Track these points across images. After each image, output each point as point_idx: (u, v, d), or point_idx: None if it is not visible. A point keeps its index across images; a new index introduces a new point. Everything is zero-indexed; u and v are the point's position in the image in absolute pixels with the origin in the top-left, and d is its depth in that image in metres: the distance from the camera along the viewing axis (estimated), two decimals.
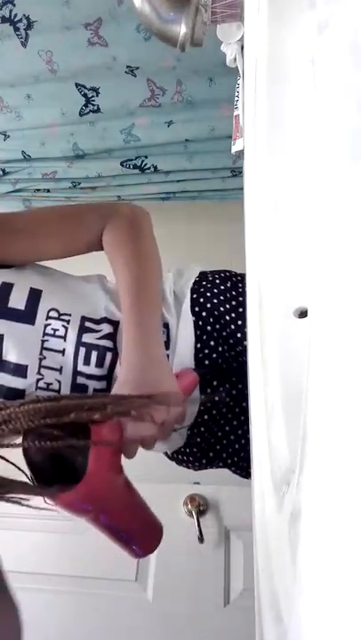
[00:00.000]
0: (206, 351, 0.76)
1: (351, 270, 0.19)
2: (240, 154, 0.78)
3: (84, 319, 0.71)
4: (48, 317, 0.70)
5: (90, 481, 0.56)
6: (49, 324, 0.70)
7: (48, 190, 1.90)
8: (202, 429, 0.79)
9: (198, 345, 0.76)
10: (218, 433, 0.80)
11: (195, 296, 0.80)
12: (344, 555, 0.18)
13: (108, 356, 0.70)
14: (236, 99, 0.86)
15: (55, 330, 0.69)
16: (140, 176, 1.78)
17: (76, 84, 1.53)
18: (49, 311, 0.70)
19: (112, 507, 0.61)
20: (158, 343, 0.68)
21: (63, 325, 0.70)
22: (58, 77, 1.51)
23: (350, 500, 0.17)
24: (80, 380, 0.70)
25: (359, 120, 0.19)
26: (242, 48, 0.76)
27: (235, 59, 0.79)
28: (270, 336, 0.43)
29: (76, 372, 0.70)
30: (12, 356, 0.67)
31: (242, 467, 0.83)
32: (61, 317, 0.70)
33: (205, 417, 0.78)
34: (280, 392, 0.38)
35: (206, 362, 0.77)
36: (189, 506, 1.44)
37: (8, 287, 0.71)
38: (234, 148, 0.88)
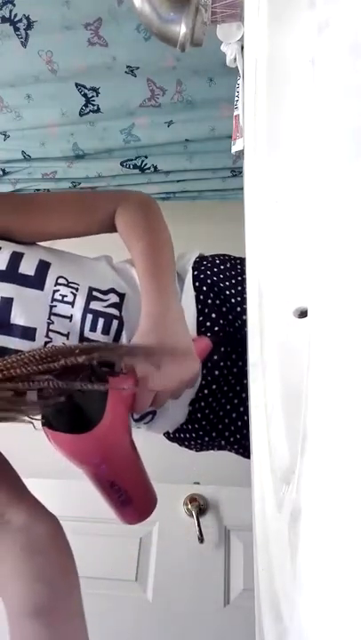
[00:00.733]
0: (208, 324, 0.78)
1: (351, 270, 0.19)
2: (240, 154, 0.78)
3: (91, 289, 0.73)
4: (57, 284, 0.71)
5: (104, 427, 0.53)
6: (57, 290, 0.71)
7: (48, 190, 1.90)
8: (202, 404, 0.79)
9: (200, 318, 0.78)
10: (219, 411, 0.80)
11: (196, 272, 0.81)
12: (344, 554, 0.18)
13: (115, 323, 0.71)
14: (236, 99, 0.86)
15: (64, 296, 0.70)
16: (140, 176, 1.78)
17: (76, 84, 1.53)
18: (58, 278, 0.71)
19: (118, 461, 0.58)
20: (176, 297, 0.69)
21: (72, 292, 0.71)
22: (58, 77, 1.51)
23: (350, 500, 0.17)
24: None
25: (359, 120, 0.19)
26: (242, 48, 0.76)
27: (235, 59, 0.79)
28: (270, 336, 0.43)
29: (82, 339, 0.71)
30: (20, 319, 0.68)
31: (244, 445, 0.82)
32: (70, 285, 0.72)
33: (206, 391, 0.78)
34: (280, 392, 0.38)
35: (208, 335, 0.77)
36: (189, 506, 1.44)
37: (19, 256, 0.72)
38: (234, 148, 0.87)
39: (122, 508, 0.62)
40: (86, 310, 0.71)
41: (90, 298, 0.72)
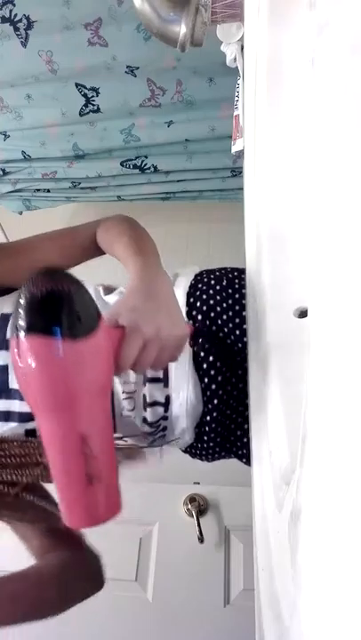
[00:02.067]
0: (202, 354, 0.78)
1: (351, 270, 0.19)
2: (240, 154, 0.78)
3: None
4: None
5: (100, 337, 0.43)
6: None
7: (48, 190, 1.90)
8: (207, 428, 0.80)
9: (195, 348, 0.77)
10: (224, 431, 0.82)
11: (191, 300, 0.81)
12: (344, 554, 0.18)
13: None
14: (236, 99, 0.86)
15: None
16: (140, 176, 1.78)
17: (76, 84, 1.53)
18: None
19: (98, 407, 0.45)
20: (165, 273, 0.66)
21: None
22: (58, 77, 1.50)
23: (350, 500, 0.17)
24: None
25: (358, 120, 0.19)
26: (242, 48, 0.76)
27: (235, 59, 0.79)
28: (270, 336, 0.43)
29: None
30: (17, 384, 0.68)
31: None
32: None
33: (208, 418, 0.80)
34: (280, 392, 0.38)
35: (204, 365, 0.78)
36: (189, 506, 1.44)
37: (7, 318, 0.71)
38: (234, 148, 0.88)
39: (85, 489, 0.44)
40: None
41: None
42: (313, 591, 0.21)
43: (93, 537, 1.42)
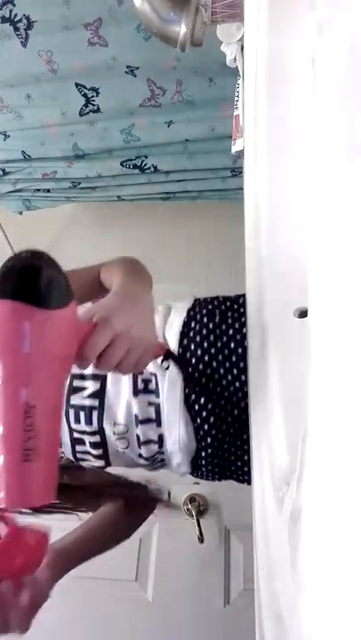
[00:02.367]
0: (193, 397, 0.79)
1: (351, 270, 0.19)
2: (240, 154, 0.78)
3: (72, 378, 0.77)
4: None
5: (69, 312, 0.44)
6: None
7: (48, 190, 1.90)
8: (203, 462, 0.82)
9: (186, 390, 0.79)
10: (221, 464, 0.84)
11: (184, 341, 0.81)
12: (344, 554, 0.18)
13: (94, 414, 0.77)
14: (236, 99, 0.86)
15: None
16: (140, 176, 1.78)
17: (76, 84, 1.53)
18: None
19: (52, 383, 0.44)
20: (145, 291, 0.67)
21: None
22: (58, 77, 1.50)
23: (350, 500, 0.17)
24: (76, 435, 0.78)
25: (358, 120, 0.19)
26: (242, 48, 0.76)
27: (235, 59, 0.79)
28: (270, 336, 0.43)
29: (71, 429, 0.78)
30: None
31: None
32: None
33: (203, 454, 0.81)
34: (280, 392, 0.38)
35: (196, 406, 0.79)
36: (189, 506, 1.44)
37: None
38: (234, 148, 0.87)
39: (19, 464, 0.42)
40: (68, 405, 0.76)
41: (70, 391, 0.77)
42: (313, 591, 0.21)
43: None
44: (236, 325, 0.81)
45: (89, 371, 0.76)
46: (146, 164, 1.72)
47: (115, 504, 0.86)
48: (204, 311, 0.85)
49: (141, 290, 0.66)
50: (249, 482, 0.86)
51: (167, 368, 0.77)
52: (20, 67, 1.49)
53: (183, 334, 0.82)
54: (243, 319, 0.81)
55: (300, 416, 0.24)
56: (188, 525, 1.42)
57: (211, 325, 0.82)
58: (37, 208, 1.99)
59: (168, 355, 0.74)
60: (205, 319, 0.83)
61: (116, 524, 0.85)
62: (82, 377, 0.77)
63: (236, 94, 0.86)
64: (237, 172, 1.70)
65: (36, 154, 1.75)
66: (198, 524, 1.38)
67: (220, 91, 1.47)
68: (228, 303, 0.87)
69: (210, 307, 0.86)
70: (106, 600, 1.39)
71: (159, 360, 0.75)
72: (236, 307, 0.86)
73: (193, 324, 0.83)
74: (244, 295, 0.79)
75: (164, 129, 1.61)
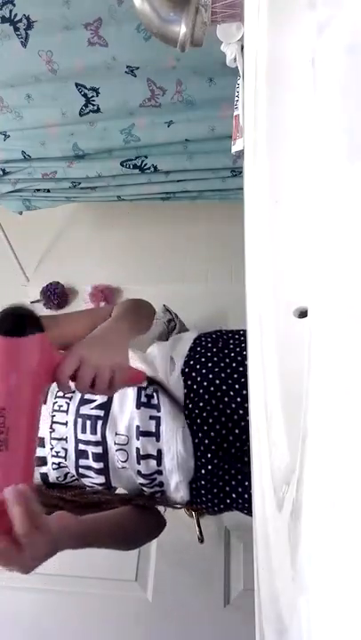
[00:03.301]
0: (196, 411, 0.84)
1: (351, 270, 0.19)
2: (240, 154, 0.78)
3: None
4: (55, 396, 0.85)
5: (35, 339, 0.59)
6: (56, 402, 0.84)
7: (48, 190, 1.90)
8: (202, 483, 0.85)
9: (190, 404, 0.85)
10: (220, 486, 0.85)
11: (187, 360, 0.90)
12: (344, 554, 0.18)
13: (99, 423, 0.82)
14: (236, 99, 0.86)
15: (60, 406, 0.83)
16: (140, 176, 1.78)
17: (76, 84, 1.53)
18: (57, 392, 0.85)
19: (21, 392, 0.57)
20: (124, 330, 0.78)
21: (66, 402, 0.84)
22: (58, 77, 1.50)
23: (351, 500, 0.17)
24: (81, 446, 0.82)
25: (358, 120, 0.19)
26: (242, 48, 0.76)
27: (235, 59, 0.79)
28: (270, 336, 0.43)
29: (77, 440, 0.82)
30: None
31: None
32: (65, 396, 0.84)
33: (203, 471, 0.84)
34: (280, 392, 0.38)
35: (198, 421, 0.84)
36: None
37: None
38: (234, 148, 0.87)
39: None
40: (77, 415, 0.82)
41: (80, 403, 0.84)
42: (313, 591, 0.21)
43: None
44: (238, 350, 0.90)
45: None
46: (146, 164, 1.73)
47: (127, 508, 0.86)
48: (209, 339, 0.94)
49: (124, 324, 0.79)
50: (249, 512, 0.85)
51: (154, 391, 0.84)
52: (20, 67, 1.49)
53: (189, 357, 0.90)
54: (243, 345, 0.91)
55: (300, 416, 0.24)
56: (188, 525, 1.42)
57: (215, 349, 0.91)
58: (37, 208, 1.99)
59: (150, 380, 0.81)
60: (210, 344, 0.92)
61: (125, 524, 0.84)
62: None
63: (236, 94, 0.86)
64: (237, 171, 1.70)
65: (35, 154, 1.75)
66: (198, 524, 1.38)
67: (220, 91, 1.47)
68: (230, 334, 0.95)
69: (214, 336, 0.95)
70: (106, 600, 1.39)
71: (144, 385, 0.84)
72: (237, 336, 0.94)
73: (198, 349, 0.92)
74: (244, 330, 0.84)
75: (164, 129, 1.62)
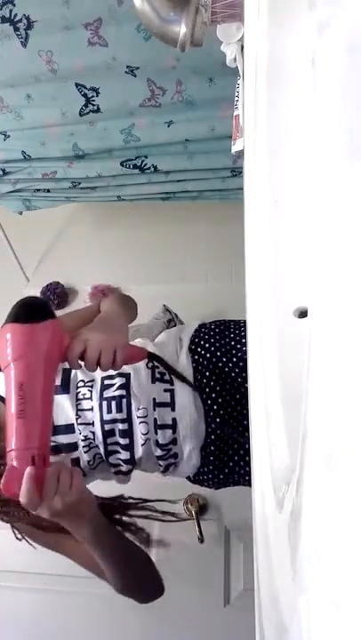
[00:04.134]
0: (204, 380, 0.93)
1: (351, 270, 0.19)
2: (240, 154, 0.78)
3: (103, 379, 0.92)
4: (77, 387, 0.92)
5: (50, 324, 0.72)
6: (79, 391, 0.91)
7: (48, 190, 1.90)
8: (212, 448, 0.92)
9: (198, 376, 0.94)
10: (228, 450, 0.93)
11: (193, 338, 0.99)
12: (344, 554, 0.18)
13: (124, 401, 0.89)
14: (236, 99, 0.86)
15: (84, 394, 0.90)
16: (140, 176, 1.78)
17: (76, 84, 1.53)
18: (78, 382, 0.92)
19: (39, 369, 0.70)
20: (121, 317, 0.90)
21: (88, 390, 0.91)
22: (58, 77, 1.51)
23: (350, 500, 0.17)
24: (107, 426, 0.89)
25: (358, 120, 0.19)
26: (242, 48, 0.76)
27: (235, 59, 0.79)
28: (270, 336, 0.43)
29: (102, 421, 0.89)
30: (59, 419, 0.88)
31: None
32: (87, 385, 0.92)
33: (213, 437, 0.91)
34: (280, 392, 0.38)
35: (207, 390, 0.92)
36: (189, 506, 1.44)
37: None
38: (234, 148, 0.87)
39: (17, 420, 0.69)
40: (101, 399, 0.90)
41: (102, 388, 0.91)
42: (313, 591, 0.21)
43: None
44: (239, 332, 0.99)
45: (114, 372, 0.91)
46: (146, 164, 1.73)
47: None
48: (213, 325, 1.03)
49: (117, 313, 0.91)
50: (248, 482, 0.87)
51: (152, 367, 0.93)
52: (20, 67, 1.49)
53: (195, 336, 0.99)
54: (245, 331, 0.97)
55: (300, 416, 0.24)
56: (188, 525, 1.42)
57: (218, 330, 1.00)
58: (37, 208, 1.99)
59: (151, 356, 0.87)
60: (214, 326, 1.02)
61: (138, 558, 0.93)
62: (110, 377, 0.91)
63: (236, 94, 0.86)
64: (237, 171, 1.70)
65: (35, 154, 1.75)
66: (198, 524, 1.38)
67: (220, 91, 1.47)
68: (232, 322, 1.03)
69: (217, 322, 1.04)
70: (106, 600, 1.39)
71: (145, 361, 0.92)
72: (241, 324, 1.02)
73: (204, 330, 1.01)
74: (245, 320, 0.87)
75: (164, 129, 1.62)
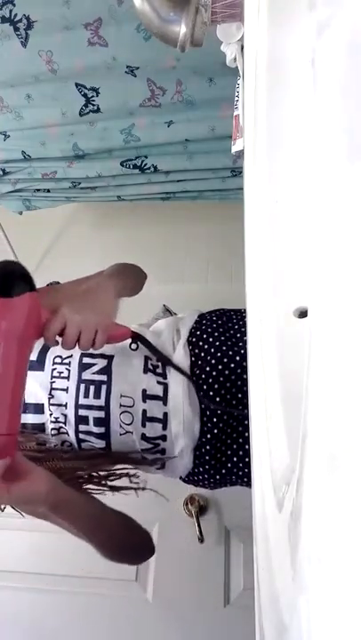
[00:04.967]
0: (203, 376, 0.86)
1: (351, 270, 0.19)
2: (240, 154, 0.78)
3: (82, 356, 0.84)
4: (54, 363, 0.84)
5: (26, 298, 0.64)
6: (55, 368, 0.84)
7: (48, 190, 1.90)
8: (207, 448, 0.85)
9: (197, 371, 0.87)
10: (225, 451, 0.86)
11: (193, 330, 0.92)
12: (344, 554, 0.18)
13: (103, 387, 0.82)
14: (236, 99, 0.86)
15: (60, 372, 0.83)
16: (140, 176, 1.78)
17: (76, 84, 1.53)
18: (54, 358, 0.84)
19: (10, 350, 0.64)
20: (109, 291, 0.81)
21: (66, 368, 0.84)
22: (58, 77, 1.51)
23: (350, 500, 0.17)
24: (81, 412, 0.82)
25: (358, 120, 0.19)
26: (242, 48, 0.76)
27: (235, 59, 0.79)
28: (270, 336, 0.43)
29: (77, 405, 0.82)
30: (30, 398, 0.82)
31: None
32: (64, 362, 0.84)
33: (208, 436, 0.84)
34: (280, 392, 0.38)
35: (205, 387, 0.85)
36: (189, 506, 1.44)
37: None
38: (234, 148, 0.87)
39: None
40: (80, 381, 0.83)
41: (81, 368, 0.84)
42: (313, 591, 0.21)
43: None
44: (241, 323, 0.92)
45: (97, 351, 0.82)
46: (146, 164, 1.73)
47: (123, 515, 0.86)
48: (214, 316, 0.95)
49: (107, 286, 0.81)
50: (247, 482, 0.86)
51: (136, 349, 0.86)
52: (20, 67, 1.49)
53: (195, 328, 0.92)
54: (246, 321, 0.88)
55: (300, 416, 0.24)
56: (188, 525, 1.42)
57: (220, 322, 0.92)
58: (37, 208, 1.99)
59: (135, 337, 0.81)
60: (215, 318, 0.94)
61: (115, 520, 0.84)
62: (91, 355, 0.84)
63: (236, 94, 0.86)
64: (237, 171, 1.70)
65: (35, 154, 1.75)
66: (198, 524, 1.38)
67: (220, 91, 1.47)
68: (233, 312, 0.96)
69: (218, 312, 0.96)
70: (106, 600, 1.39)
71: (129, 341, 0.85)
72: (239, 315, 0.95)
73: (204, 322, 0.93)
74: (244, 309, 0.84)
75: (164, 129, 1.62)
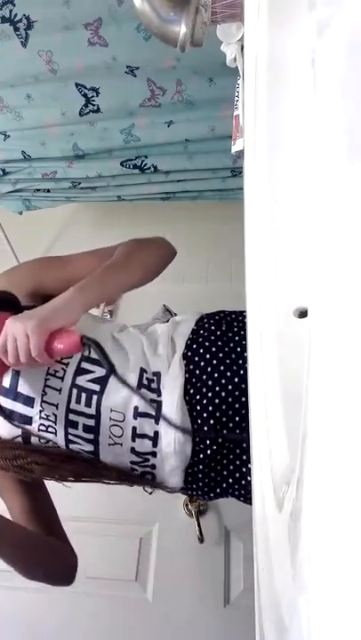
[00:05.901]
0: (197, 397, 0.81)
1: (351, 270, 0.19)
2: (240, 154, 0.78)
3: (81, 360, 0.81)
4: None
5: None
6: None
7: (48, 190, 1.90)
8: (200, 467, 0.82)
9: (191, 390, 0.82)
10: (221, 471, 0.83)
11: (189, 343, 0.86)
12: (344, 554, 0.18)
13: (94, 397, 0.80)
14: (236, 99, 0.86)
15: (56, 371, 0.81)
16: (140, 176, 1.78)
17: (76, 84, 1.53)
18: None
19: None
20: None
21: (62, 368, 0.81)
22: (58, 77, 1.51)
23: (351, 500, 0.17)
24: (72, 416, 0.80)
25: (358, 120, 0.19)
26: (242, 48, 0.76)
27: (235, 59, 0.79)
28: (270, 336, 0.43)
29: (68, 409, 0.80)
30: (23, 388, 0.81)
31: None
32: (62, 361, 0.81)
33: (201, 456, 0.81)
34: (280, 392, 0.38)
35: (198, 407, 0.81)
36: (189, 506, 1.44)
37: None
38: (234, 148, 0.87)
39: None
40: (72, 385, 0.80)
41: (77, 372, 0.81)
42: (313, 591, 0.21)
43: (94, 537, 1.42)
44: (242, 333, 0.86)
45: (96, 356, 0.79)
46: (146, 164, 1.73)
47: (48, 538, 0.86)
48: (212, 321, 0.89)
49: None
50: (247, 499, 0.84)
51: (89, 353, 0.81)
52: (20, 67, 1.49)
53: (192, 340, 0.86)
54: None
55: (300, 416, 0.24)
56: (188, 525, 1.42)
57: (218, 333, 0.86)
58: (37, 208, 1.99)
59: (89, 344, 0.74)
60: (213, 327, 0.88)
61: (41, 541, 0.84)
62: (92, 361, 0.81)
63: (236, 94, 0.86)
64: (237, 171, 1.70)
65: (36, 154, 1.75)
66: (198, 524, 1.38)
67: (220, 91, 1.47)
68: (233, 316, 0.91)
69: (217, 317, 0.91)
70: (106, 600, 1.39)
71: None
72: (240, 318, 0.90)
73: (202, 332, 0.87)
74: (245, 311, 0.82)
75: (164, 129, 1.62)
